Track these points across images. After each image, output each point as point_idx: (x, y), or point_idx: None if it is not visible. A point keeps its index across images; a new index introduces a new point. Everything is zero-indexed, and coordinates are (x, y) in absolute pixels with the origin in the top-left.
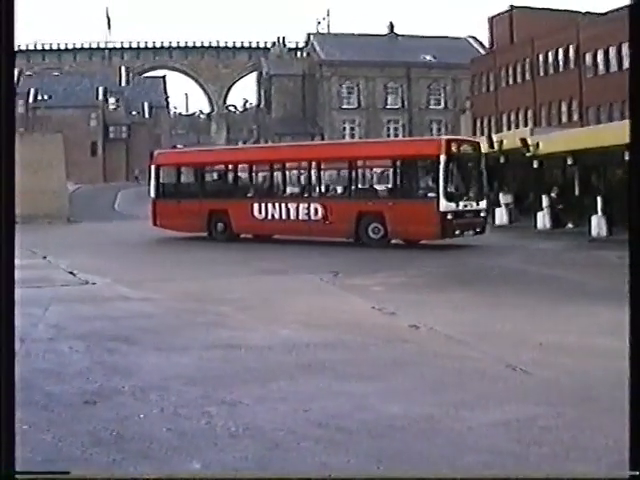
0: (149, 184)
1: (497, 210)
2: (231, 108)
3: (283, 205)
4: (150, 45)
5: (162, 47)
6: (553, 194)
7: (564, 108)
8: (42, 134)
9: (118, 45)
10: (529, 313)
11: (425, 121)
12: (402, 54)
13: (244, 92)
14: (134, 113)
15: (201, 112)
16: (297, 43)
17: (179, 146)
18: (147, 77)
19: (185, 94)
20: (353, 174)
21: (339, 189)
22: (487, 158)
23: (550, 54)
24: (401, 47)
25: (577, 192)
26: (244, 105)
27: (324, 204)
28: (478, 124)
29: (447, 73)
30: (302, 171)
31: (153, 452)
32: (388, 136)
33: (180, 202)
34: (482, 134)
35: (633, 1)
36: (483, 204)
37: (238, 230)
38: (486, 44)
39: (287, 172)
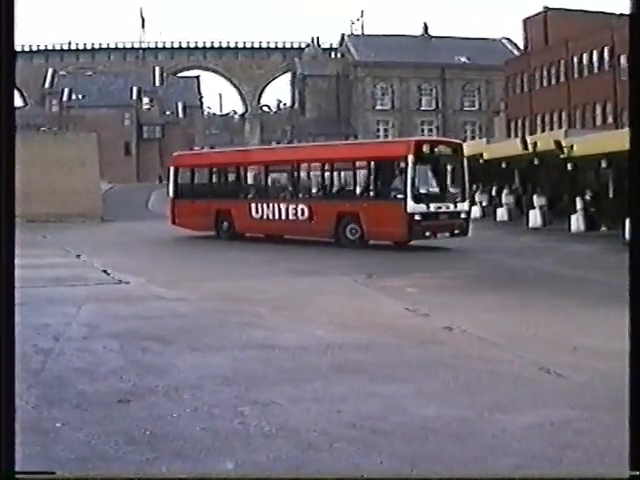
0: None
1: (531, 212)
2: (265, 108)
3: (276, 205)
4: (184, 45)
5: (196, 47)
6: (587, 196)
7: (598, 110)
8: (76, 133)
9: (152, 45)
10: (563, 316)
11: (459, 123)
12: (436, 55)
13: (278, 92)
14: (168, 113)
15: (235, 112)
16: (331, 44)
17: (196, 148)
18: (181, 77)
19: (219, 94)
20: (334, 176)
21: (321, 190)
22: (521, 160)
23: (584, 56)
24: (435, 48)
25: (611, 195)
26: (278, 105)
27: (309, 205)
28: (512, 126)
29: (481, 74)
30: (291, 173)
31: (186, 451)
32: None
33: (193, 202)
34: (516, 136)
35: (633, 10)
36: (463, 205)
37: (239, 229)
38: (520, 46)
39: (278, 173)
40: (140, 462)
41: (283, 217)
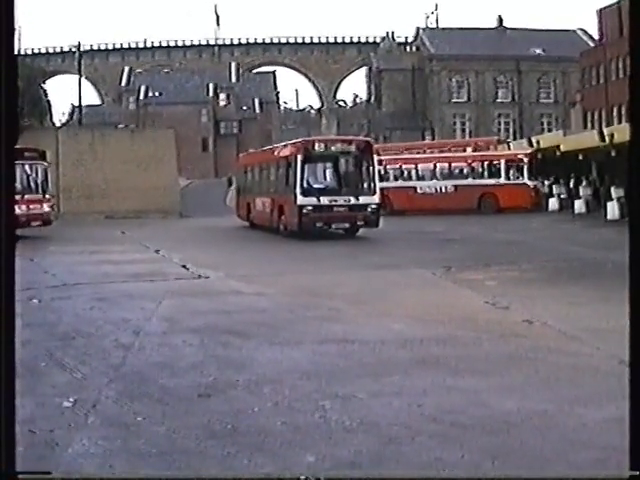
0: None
1: (609, 204)
2: (341, 103)
3: (262, 199)
4: (260, 41)
5: (272, 43)
6: None
7: None
8: (153, 130)
9: (228, 42)
10: None
11: (535, 115)
12: (511, 47)
13: (354, 87)
14: (245, 109)
15: (311, 107)
16: (406, 38)
17: (251, 150)
18: (257, 73)
19: (295, 89)
20: (275, 173)
21: (273, 186)
22: (598, 152)
23: None
24: (510, 40)
25: None
26: (354, 100)
27: (272, 198)
28: (589, 117)
29: (557, 66)
30: (264, 171)
31: (267, 445)
32: (499, 130)
33: (240, 197)
34: (593, 127)
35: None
36: (366, 199)
37: (254, 220)
38: (595, 36)
39: (261, 171)
40: (221, 456)
41: (264, 210)
